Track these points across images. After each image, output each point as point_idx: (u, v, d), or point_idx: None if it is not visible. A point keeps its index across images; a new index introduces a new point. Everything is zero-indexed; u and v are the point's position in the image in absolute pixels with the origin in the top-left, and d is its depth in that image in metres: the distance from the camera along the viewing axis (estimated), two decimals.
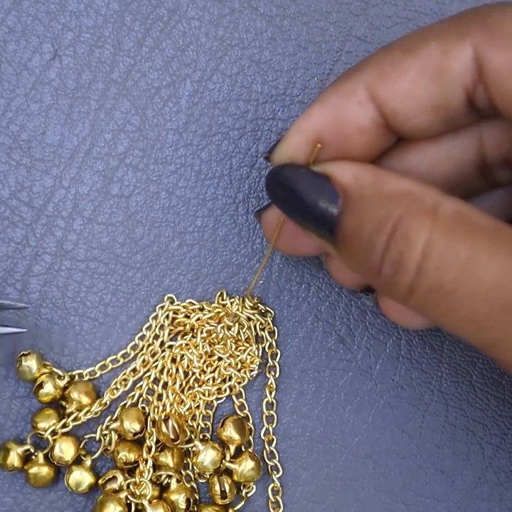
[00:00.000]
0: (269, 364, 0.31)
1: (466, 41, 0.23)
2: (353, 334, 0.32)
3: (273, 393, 0.31)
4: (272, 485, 0.31)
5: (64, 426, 0.30)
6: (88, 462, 0.30)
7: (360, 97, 0.24)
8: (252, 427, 0.31)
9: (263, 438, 0.31)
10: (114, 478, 0.30)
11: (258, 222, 0.31)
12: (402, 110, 0.24)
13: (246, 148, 0.31)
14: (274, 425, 0.31)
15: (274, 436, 0.31)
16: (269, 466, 0.31)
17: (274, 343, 0.31)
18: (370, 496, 0.31)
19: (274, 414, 0.31)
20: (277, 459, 0.31)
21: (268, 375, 0.31)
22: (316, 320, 0.32)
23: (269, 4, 0.31)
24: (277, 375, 0.31)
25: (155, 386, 0.31)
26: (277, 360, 0.31)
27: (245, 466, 0.30)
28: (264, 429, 0.31)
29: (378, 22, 0.31)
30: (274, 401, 0.31)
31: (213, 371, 0.31)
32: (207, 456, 0.30)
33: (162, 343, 0.31)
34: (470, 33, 0.23)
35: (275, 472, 0.31)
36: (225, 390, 0.31)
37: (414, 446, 0.31)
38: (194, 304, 0.31)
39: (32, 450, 0.30)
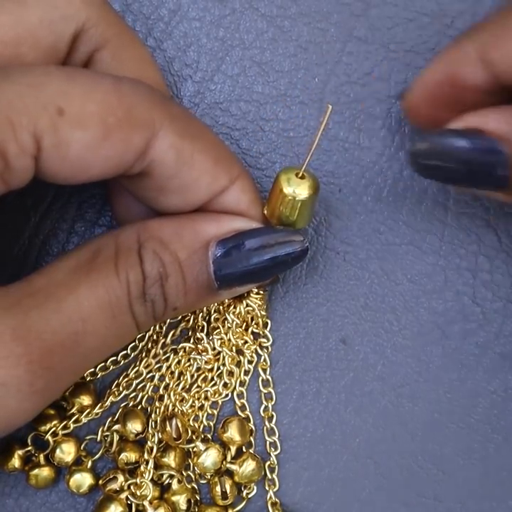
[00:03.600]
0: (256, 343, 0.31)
1: None
2: (355, 334, 0.32)
3: (267, 371, 0.31)
4: (268, 462, 0.31)
5: (65, 427, 0.30)
6: (89, 463, 0.30)
7: (471, 60, 0.25)
8: (253, 428, 0.31)
9: (262, 414, 0.31)
10: (115, 478, 0.30)
11: None
12: None
13: (247, 149, 0.31)
14: (273, 402, 0.31)
15: (273, 413, 0.31)
16: (267, 443, 0.31)
17: (261, 321, 0.31)
18: (371, 496, 0.31)
19: (272, 392, 0.31)
20: (277, 435, 0.31)
21: (261, 352, 0.31)
22: (317, 320, 0.32)
23: (270, 5, 0.31)
24: (270, 350, 0.31)
25: (158, 386, 0.31)
26: (269, 343, 0.31)
27: (246, 467, 0.30)
28: (263, 406, 0.31)
29: (379, 23, 0.31)
30: (270, 378, 0.31)
31: (218, 369, 0.31)
32: (208, 456, 0.30)
33: (164, 345, 0.31)
34: None
35: (273, 449, 0.31)
36: (229, 387, 0.31)
37: (415, 446, 0.31)
38: None
39: (33, 451, 0.30)
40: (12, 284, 0.24)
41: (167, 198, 0.26)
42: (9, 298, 0.23)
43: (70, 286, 0.24)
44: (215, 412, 0.31)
